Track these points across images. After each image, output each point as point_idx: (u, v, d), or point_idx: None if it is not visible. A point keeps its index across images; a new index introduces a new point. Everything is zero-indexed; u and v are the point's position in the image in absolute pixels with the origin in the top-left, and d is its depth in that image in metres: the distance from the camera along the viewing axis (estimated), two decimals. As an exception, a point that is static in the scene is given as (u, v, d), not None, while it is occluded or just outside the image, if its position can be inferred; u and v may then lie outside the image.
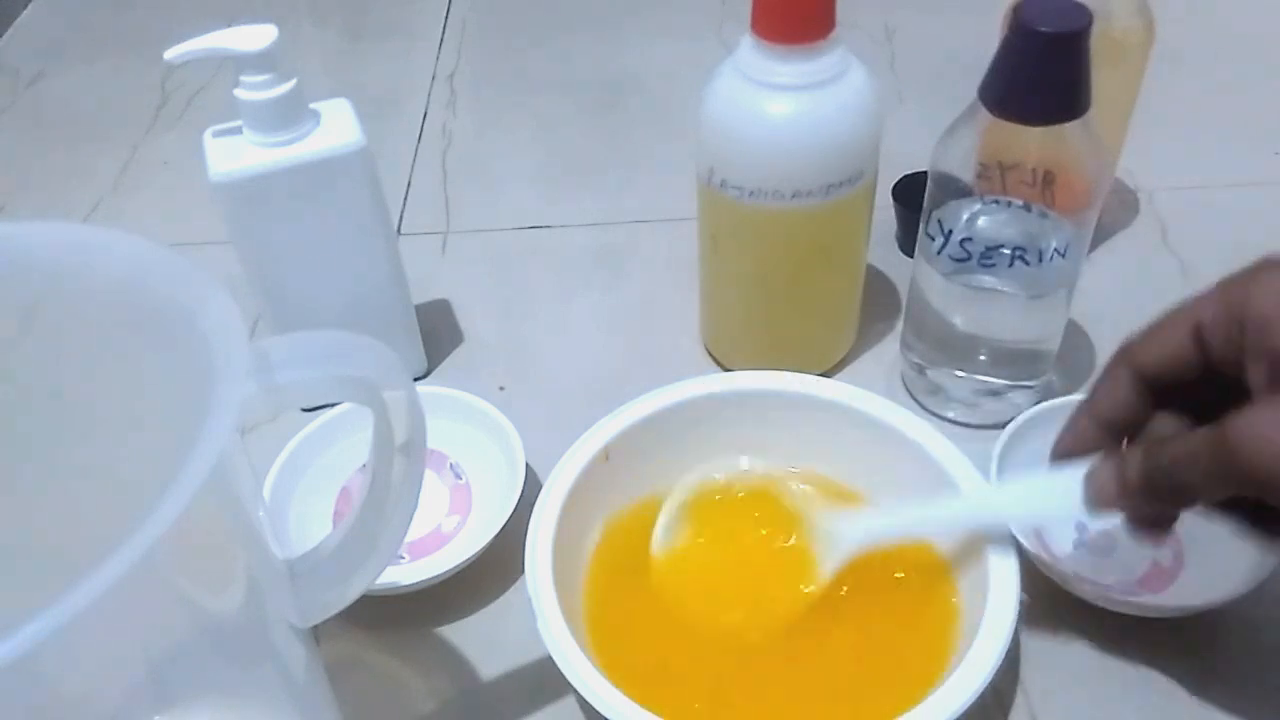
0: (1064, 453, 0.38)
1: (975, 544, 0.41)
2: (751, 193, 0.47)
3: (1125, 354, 0.37)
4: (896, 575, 0.43)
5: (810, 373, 0.48)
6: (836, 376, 0.55)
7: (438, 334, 0.59)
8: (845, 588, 0.43)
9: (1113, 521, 0.46)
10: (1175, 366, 0.35)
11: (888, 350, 0.57)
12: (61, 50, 0.89)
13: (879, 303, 0.59)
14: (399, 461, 0.32)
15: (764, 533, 0.44)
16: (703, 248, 0.53)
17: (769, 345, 0.54)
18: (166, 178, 0.73)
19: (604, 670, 0.38)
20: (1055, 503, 0.39)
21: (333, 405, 0.49)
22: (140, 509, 0.21)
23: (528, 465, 0.47)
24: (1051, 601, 0.44)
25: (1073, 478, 0.37)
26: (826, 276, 0.52)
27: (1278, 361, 0.31)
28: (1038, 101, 0.42)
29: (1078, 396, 0.48)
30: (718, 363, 0.56)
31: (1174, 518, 0.37)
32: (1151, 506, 0.36)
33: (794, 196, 0.47)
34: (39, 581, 0.21)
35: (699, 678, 0.41)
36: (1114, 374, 0.37)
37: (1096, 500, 0.36)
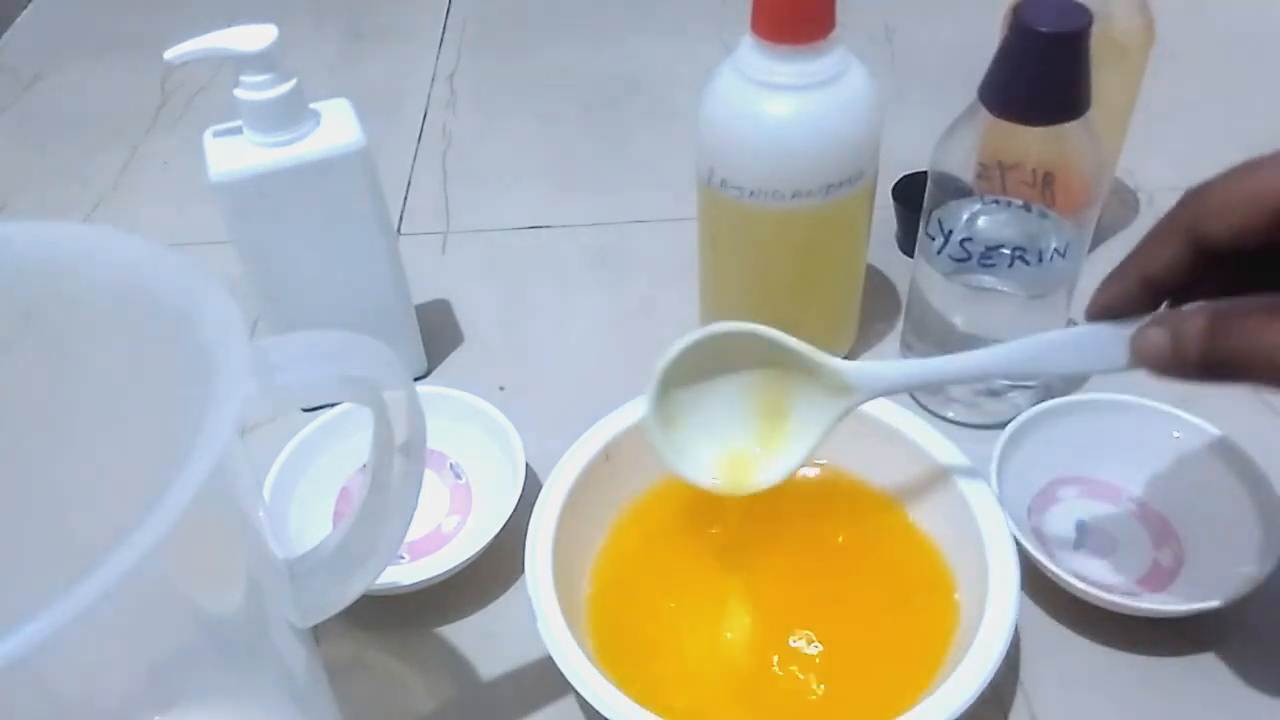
0: (1104, 309, 0.36)
1: (975, 544, 0.41)
2: (751, 193, 0.47)
3: (1187, 214, 0.33)
4: (896, 574, 0.43)
5: (810, 373, 0.48)
6: (836, 376, 0.55)
7: (438, 334, 0.59)
8: (845, 587, 0.43)
9: (1113, 521, 0.46)
10: (1249, 237, 0.31)
11: (888, 350, 0.57)
12: (61, 50, 0.89)
13: (879, 303, 0.59)
14: (399, 461, 0.32)
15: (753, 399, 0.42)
16: (703, 248, 0.53)
17: (769, 345, 0.54)
18: (166, 178, 0.73)
19: (604, 670, 0.38)
20: (1093, 355, 0.37)
21: (333, 405, 0.49)
22: (140, 509, 0.21)
23: (528, 465, 0.47)
24: (1051, 601, 0.44)
25: (1114, 334, 0.36)
26: (826, 276, 0.52)
27: None
28: (1038, 101, 0.42)
29: (1079, 397, 0.48)
30: (718, 363, 0.56)
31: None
32: (1205, 380, 0.33)
33: (794, 196, 0.47)
34: (39, 582, 0.21)
35: (699, 677, 0.41)
36: (1168, 234, 0.34)
37: (1144, 362, 0.34)
